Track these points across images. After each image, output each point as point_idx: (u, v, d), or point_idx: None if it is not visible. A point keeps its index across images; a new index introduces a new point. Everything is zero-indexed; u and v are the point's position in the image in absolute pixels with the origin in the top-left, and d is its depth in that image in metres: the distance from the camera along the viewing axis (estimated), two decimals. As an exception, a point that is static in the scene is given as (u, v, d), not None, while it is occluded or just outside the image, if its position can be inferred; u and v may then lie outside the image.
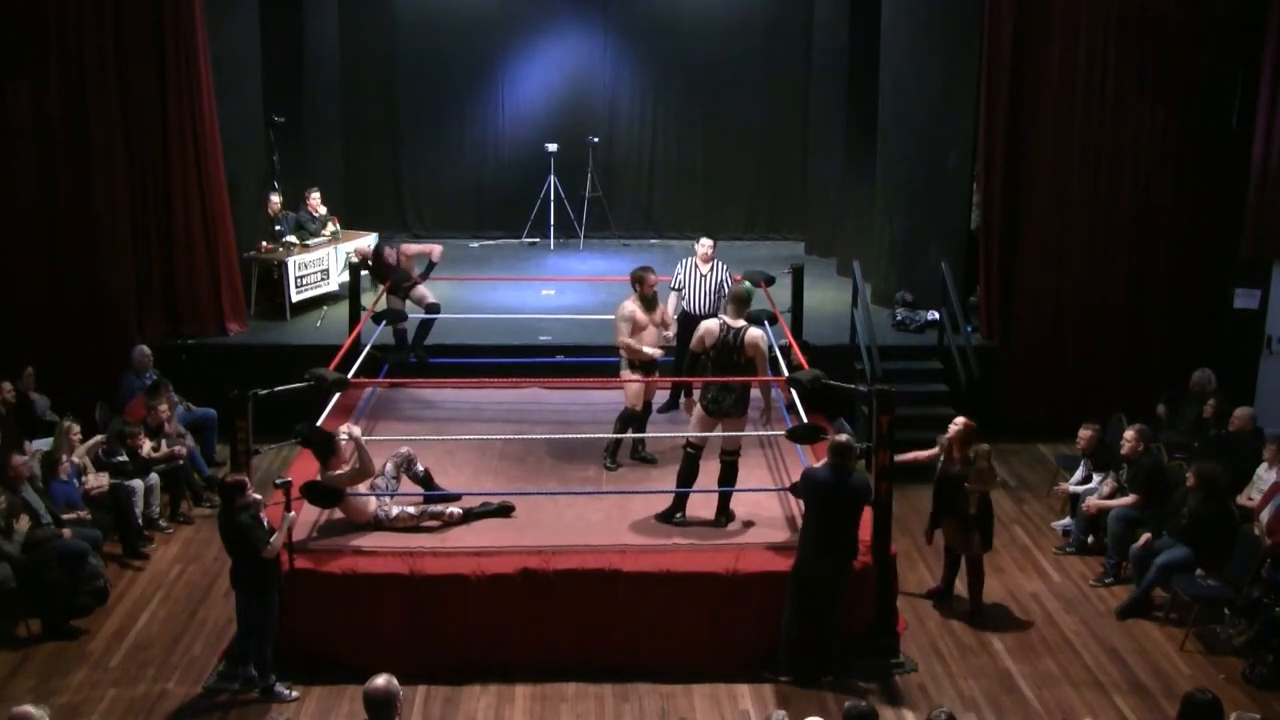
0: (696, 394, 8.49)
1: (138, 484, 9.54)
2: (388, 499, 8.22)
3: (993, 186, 11.78)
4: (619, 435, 9.23)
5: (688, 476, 8.48)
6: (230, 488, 7.39)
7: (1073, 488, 9.96)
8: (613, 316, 9.35)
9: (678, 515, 8.42)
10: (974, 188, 12.34)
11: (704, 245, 10.05)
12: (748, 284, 8.57)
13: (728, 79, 16.31)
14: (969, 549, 8.67)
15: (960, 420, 8.64)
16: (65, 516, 8.74)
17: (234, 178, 12.15)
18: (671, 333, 9.28)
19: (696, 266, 10.00)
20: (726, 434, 8.34)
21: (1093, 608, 8.88)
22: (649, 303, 9.08)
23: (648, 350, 9.00)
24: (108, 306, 11.64)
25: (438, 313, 11.11)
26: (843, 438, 7.68)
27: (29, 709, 5.31)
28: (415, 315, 11.08)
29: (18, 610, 8.33)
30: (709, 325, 8.27)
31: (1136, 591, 8.74)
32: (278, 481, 7.70)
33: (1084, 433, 9.86)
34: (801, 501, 7.80)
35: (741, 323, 8.21)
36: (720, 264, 10.05)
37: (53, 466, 8.91)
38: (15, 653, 8.12)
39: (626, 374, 9.09)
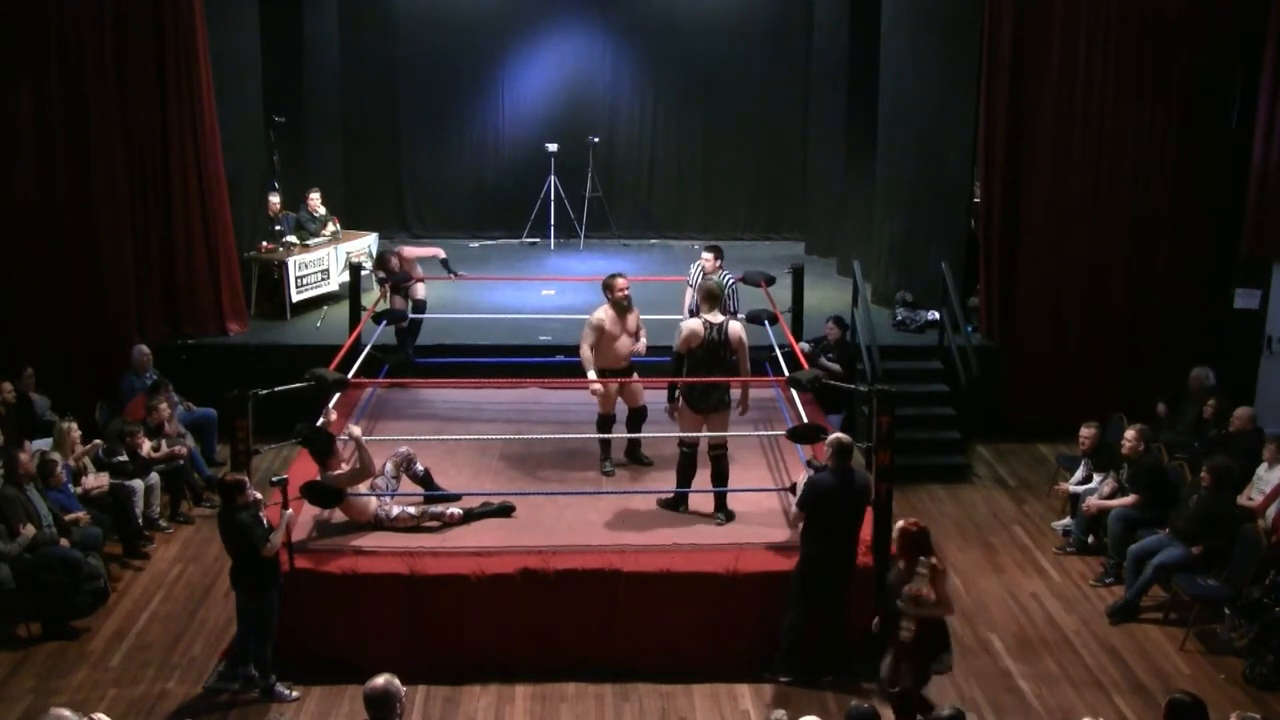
0: (679, 395, 8.53)
1: (138, 484, 9.54)
2: (388, 499, 8.22)
3: (993, 186, 11.78)
4: (604, 439, 9.21)
5: (686, 475, 8.55)
6: (230, 486, 7.40)
7: (1073, 488, 9.95)
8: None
9: (681, 508, 8.53)
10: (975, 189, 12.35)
11: (707, 258, 10.18)
12: (714, 278, 8.80)
13: (728, 79, 16.32)
14: (894, 682, 7.01)
15: (900, 523, 7.03)
16: (65, 518, 8.74)
17: (234, 178, 12.15)
18: (643, 344, 9.23)
19: (705, 272, 10.09)
20: (715, 431, 8.43)
21: (1093, 608, 8.88)
22: (621, 309, 9.02)
23: (592, 376, 8.88)
24: (108, 306, 11.64)
25: (423, 311, 11.14)
26: (844, 437, 7.68)
27: (65, 713, 5.30)
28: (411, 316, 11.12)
29: (18, 610, 8.32)
30: (693, 326, 8.34)
31: (1129, 593, 8.73)
32: (274, 479, 7.70)
33: (1086, 431, 9.86)
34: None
35: (721, 318, 8.39)
36: (726, 276, 10.07)
37: (47, 477, 8.86)
38: (15, 653, 8.12)
39: (593, 376, 9.03)
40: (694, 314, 8.87)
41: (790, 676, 7.74)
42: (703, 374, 8.27)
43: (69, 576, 8.37)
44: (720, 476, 8.46)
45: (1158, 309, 11.98)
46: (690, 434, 8.44)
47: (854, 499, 7.59)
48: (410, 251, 11.42)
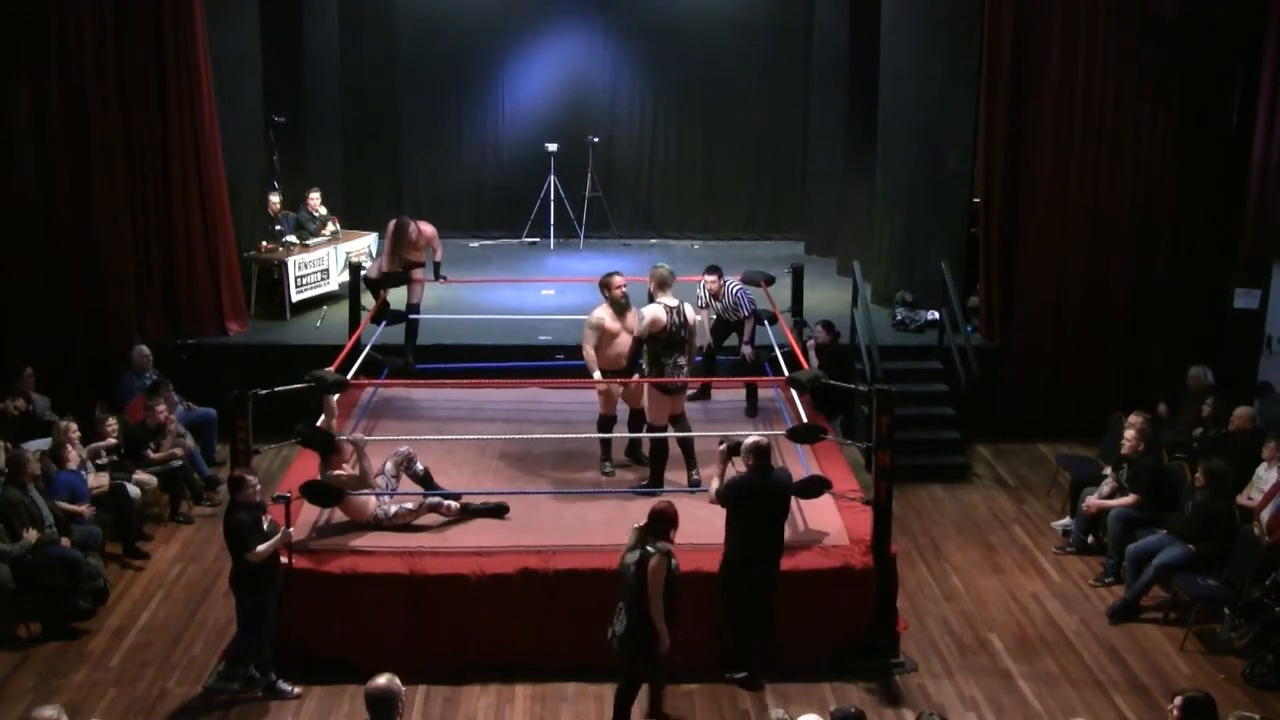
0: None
1: (135, 490, 9.52)
2: (387, 498, 8.22)
3: (993, 186, 11.78)
4: (605, 438, 9.23)
5: (662, 465, 8.84)
6: (230, 483, 7.43)
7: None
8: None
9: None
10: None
11: (709, 281, 10.26)
12: (666, 265, 9.07)
13: (728, 79, 16.32)
14: None
15: None
16: (68, 506, 8.75)
17: (234, 178, 12.15)
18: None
19: (711, 293, 10.26)
20: (678, 409, 8.88)
21: (1093, 608, 8.88)
22: (619, 307, 9.04)
23: (597, 377, 8.98)
24: (108, 306, 11.64)
25: (417, 313, 11.10)
26: (762, 439, 7.66)
27: (48, 711, 5.31)
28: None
29: (18, 610, 8.32)
30: (656, 313, 8.61)
31: (1129, 593, 8.73)
32: (275, 496, 7.71)
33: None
34: (726, 509, 7.70)
35: (676, 301, 8.75)
36: (730, 289, 10.20)
37: (58, 459, 8.92)
38: (15, 653, 8.12)
39: (598, 376, 9.07)
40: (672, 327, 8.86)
41: (743, 674, 7.74)
42: (665, 356, 8.67)
43: (69, 576, 8.37)
44: (688, 442, 8.86)
45: (1158, 309, 11.98)
46: (660, 428, 8.77)
47: (773, 498, 7.57)
48: (430, 231, 10.99)
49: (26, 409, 10.20)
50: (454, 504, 8.31)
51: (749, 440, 7.69)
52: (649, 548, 6.90)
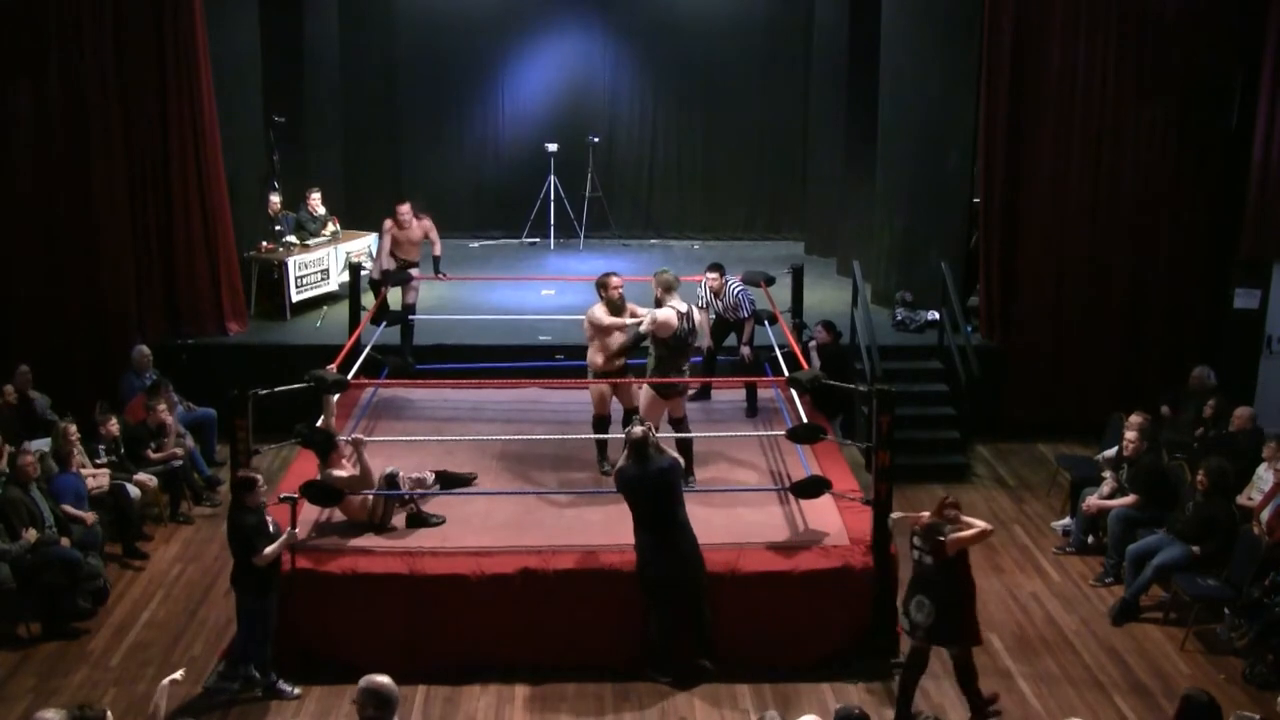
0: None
1: (134, 490, 9.53)
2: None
3: (993, 186, 11.78)
4: (600, 438, 9.23)
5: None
6: (238, 484, 7.44)
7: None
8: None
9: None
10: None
11: (711, 277, 10.31)
12: (670, 270, 9.04)
13: (728, 79, 16.33)
14: None
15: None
16: (73, 511, 8.75)
17: (234, 178, 12.15)
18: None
19: (713, 291, 10.28)
20: (675, 409, 8.85)
21: (1093, 608, 8.88)
22: (615, 307, 9.05)
23: (601, 366, 8.98)
24: (108, 306, 11.65)
25: (413, 313, 11.14)
26: (637, 430, 7.67)
27: (48, 715, 5.35)
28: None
29: (18, 610, 8.32)
30: (668, 316, 8.57)
31: (1128, 593, 8.73)
32: (281, 496, 7.73)
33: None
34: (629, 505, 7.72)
35: (685, 306, 8.75)
36: (730, 288, 10.23)
37: (63, 460, 8.94)
38: (15, 652, 8.12)
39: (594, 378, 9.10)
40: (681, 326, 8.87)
41: (669, 677, 7.73)
42: (674, 359, 8.65)
43: (69, 576, 8.37)
44: (687, 444, 8.80)
45: (1158, 309, 11.98)
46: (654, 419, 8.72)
47: (656, 491, 7.54)
48: (428, 224, 11.27)
49: (21, 403, 10.18)
50: (428, 477, 8.40)
51: (630, 430, 7.72)
52: (940, 537, 7.10)
